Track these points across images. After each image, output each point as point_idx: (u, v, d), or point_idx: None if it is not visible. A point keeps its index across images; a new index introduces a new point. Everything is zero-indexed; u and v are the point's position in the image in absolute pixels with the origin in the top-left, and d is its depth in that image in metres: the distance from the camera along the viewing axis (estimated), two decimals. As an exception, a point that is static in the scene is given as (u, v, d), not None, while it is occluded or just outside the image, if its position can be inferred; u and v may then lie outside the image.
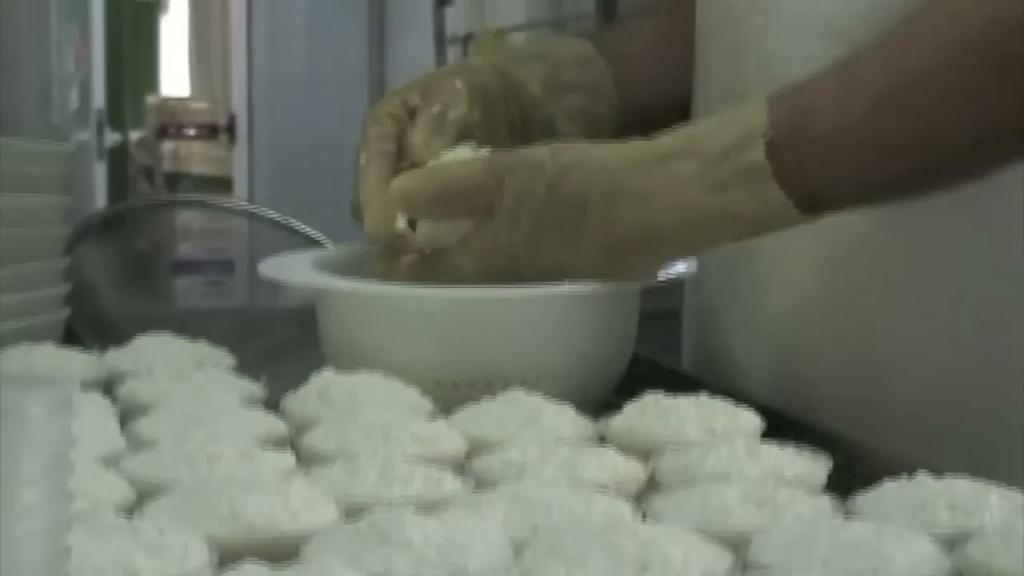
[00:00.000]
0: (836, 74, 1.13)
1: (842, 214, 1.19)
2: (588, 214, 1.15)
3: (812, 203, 1.13)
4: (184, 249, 8.86)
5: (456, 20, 3.90)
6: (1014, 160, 1.16)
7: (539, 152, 1.20)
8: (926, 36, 1.10)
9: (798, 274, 1.33)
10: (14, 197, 1.36)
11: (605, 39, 1.48)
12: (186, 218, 8.89)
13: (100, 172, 5.98)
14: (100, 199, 5.94)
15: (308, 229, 1.85)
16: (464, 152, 1.26)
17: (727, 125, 1.14)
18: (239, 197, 7.53)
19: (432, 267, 1.24)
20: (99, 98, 5.99)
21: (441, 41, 3.96)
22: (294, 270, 1.37)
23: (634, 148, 1.18)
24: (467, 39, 3.62)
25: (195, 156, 8.89)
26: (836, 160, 1.12)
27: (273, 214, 1.83)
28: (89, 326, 1.54)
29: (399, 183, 1.24)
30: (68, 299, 1.53)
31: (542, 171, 1.17)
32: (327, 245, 1.83)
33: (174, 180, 8.93)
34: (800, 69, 1.16)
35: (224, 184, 8.33)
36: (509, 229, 1.18)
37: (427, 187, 1.23)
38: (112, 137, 6.02)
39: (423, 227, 1.24)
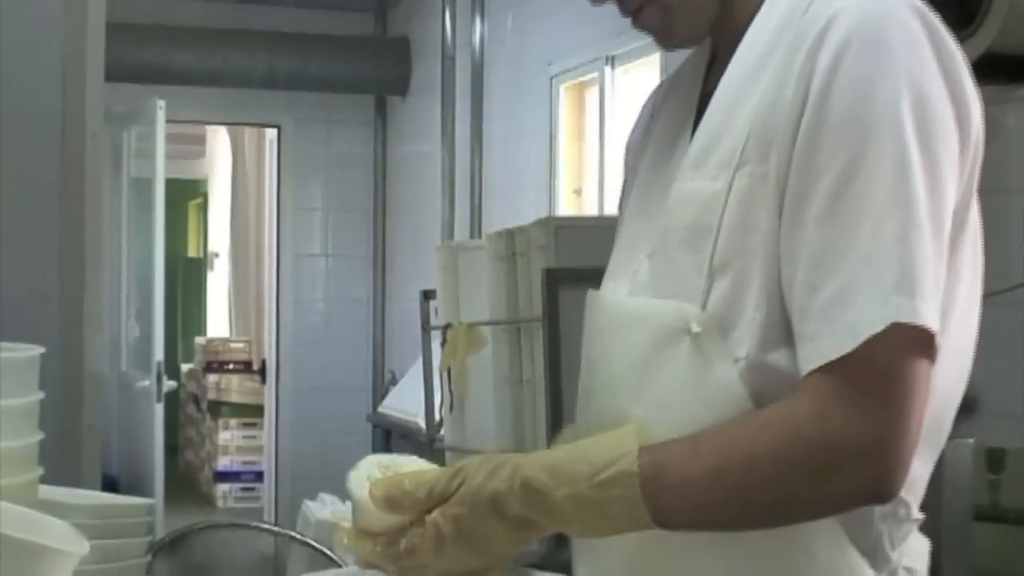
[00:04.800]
0: (688, 442, 1.19)
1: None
2: (509, 499, 1.20)
3: (660, 522, 1.18)
4: (225, 463, 8.95)
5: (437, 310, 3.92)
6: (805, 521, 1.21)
7: (462, 462, 1.24)
8: (746, 436, 1.18)
9: None
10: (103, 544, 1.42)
11: None
12: (226, 438, 8.93)
13: (159, 412, 5.98)
14: (159, 434, 5.92)
15: (329, 552, 1.86)
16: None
17: (609, 444, 1.21)
18: (268, 422, 7.60)
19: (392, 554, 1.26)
20: (159, 351, 5.97)
21: (426, 328, 3.93)
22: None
23: (540, 456, 1.25)
24: (446, 328, 3.54)
25: (234, 388, 9.04)
26: (677, 505, 1.18)
27: (295, 534, 1.86)
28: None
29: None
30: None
31: (462, 471, 1.23)
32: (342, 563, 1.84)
33: (217, 408, 9.05)
34: None
35: (256, 411, 8.44)
36: (449, 516, 1.21)
37: (379, 491, 1.26)
38: (169, 384, 6.02)
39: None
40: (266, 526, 1.95)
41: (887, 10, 1.21)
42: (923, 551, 1.30)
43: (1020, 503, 2.74)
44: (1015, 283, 2.82)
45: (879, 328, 1.13)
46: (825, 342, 1.16)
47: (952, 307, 1.24)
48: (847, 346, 1.14)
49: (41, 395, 1.38)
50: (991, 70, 2.78)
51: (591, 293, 1.41)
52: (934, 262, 1.17)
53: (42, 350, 1.39)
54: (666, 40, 1.38)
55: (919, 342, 1.15)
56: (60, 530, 1.24)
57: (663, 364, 1.27)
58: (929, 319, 1.15)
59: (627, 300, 1.35)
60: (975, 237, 1.30)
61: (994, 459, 2.76)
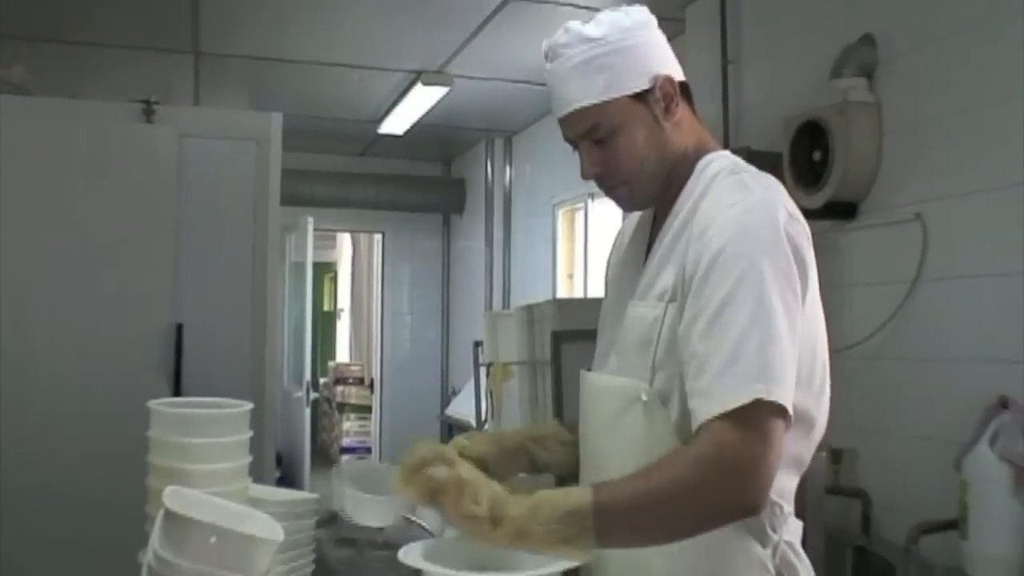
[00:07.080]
0: (624, 482, 1.09)
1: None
2: (500, 526, 1.09)
3: (601, 539, 1.07)
4: (347, 441, 8.85)
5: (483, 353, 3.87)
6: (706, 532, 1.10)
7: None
8: (656, 472, 1.08)
9: None
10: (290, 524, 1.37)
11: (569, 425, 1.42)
12: (348, 426, 8.78)
13: (307, 413, 5.98)
14: (307, 426, 5.85)
15: (425, 523, 1.75)
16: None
17: (564, 494, 1.10)
18: (374, 416, 7.47)
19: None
20: (308, 372, 6.04)
21: (476, 364, 3.92)
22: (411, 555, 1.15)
23: (519, 501, 1.11)
24: (489, 365, 3.49)
25: (352, 395, 8.76)
26: (613, 525, 1.08)
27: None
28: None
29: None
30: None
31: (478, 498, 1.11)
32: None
33: (342, 407, 8.73)
34: None
35: (367, 409, 8.26)
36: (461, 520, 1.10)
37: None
38: (313, 394, 5.99)
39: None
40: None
41: (757, 218, 1.17)
42: (798, 530, 1.26)
43: (851, 483, 2.72)
44: (852, 343, 2.80)
45: (746, 400, 1.08)
46: (713, 403, 1.10)
47: (814, 375, 1.21)
48: (716, 411, 1.08)
49: (250, 433, 1.35)
50: (833, 211, 2.78)
51: (583, 373, 1.35)
52: (791, 359, 1.12)
53: (251, 406, 1.37)
54: (627, 209, 1.35)
55: (776, 411, 1.10)
56: (263, 519, 1.22)
57: (624, 421, 1.23)
58: (780, 396, 1.09)
59: (601, 377, 1.30)
60: (821, 330, 1.24)
61: (836, 455, 2.75)
